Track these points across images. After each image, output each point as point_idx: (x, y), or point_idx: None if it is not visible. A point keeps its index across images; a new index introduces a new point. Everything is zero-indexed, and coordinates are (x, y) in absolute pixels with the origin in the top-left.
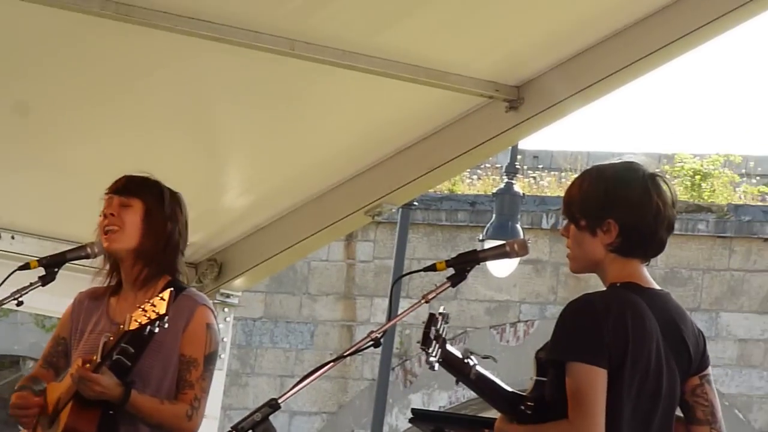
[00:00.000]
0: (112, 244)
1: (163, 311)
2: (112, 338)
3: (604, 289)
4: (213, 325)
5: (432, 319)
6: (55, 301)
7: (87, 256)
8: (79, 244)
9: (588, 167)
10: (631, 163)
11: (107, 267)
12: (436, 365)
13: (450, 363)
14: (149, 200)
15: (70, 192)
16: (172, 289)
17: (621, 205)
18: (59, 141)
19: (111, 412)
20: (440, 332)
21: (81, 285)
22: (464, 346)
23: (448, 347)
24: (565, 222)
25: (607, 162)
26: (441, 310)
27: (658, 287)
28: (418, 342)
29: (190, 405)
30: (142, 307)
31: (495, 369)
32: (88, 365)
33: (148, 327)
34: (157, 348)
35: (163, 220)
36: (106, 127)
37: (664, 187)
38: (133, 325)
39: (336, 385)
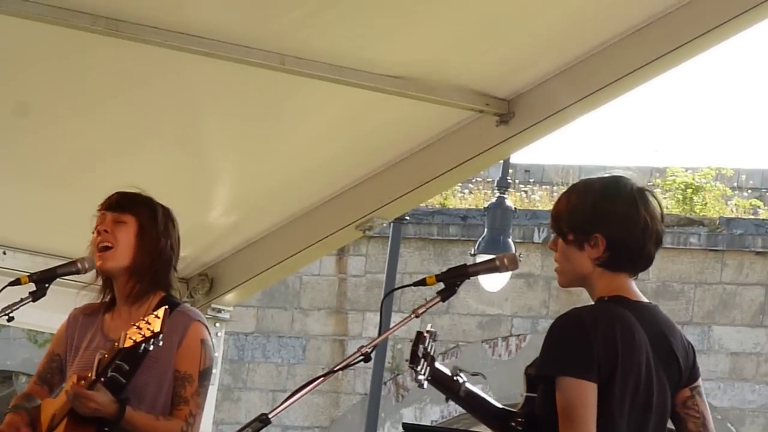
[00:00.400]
0: (105, 262)
1: (157, 329)
2: (106, 355)
3: (592, 303)
4: (207, 340)
5: (420, 337)
6: (46, 316)
7: (78, 272)
8: (70, 260)
9: (576, 181)
10: (619, 177)
11: (100, 283)
12: (425, 383)
13: (439, 381)
14: (142, 216)
15: (61, 207)
16: (166, 306)
17: (608, 220)
18: (49, 155)
19: (106, 429)
20: (428, 350)
21: (72, 300)
22: (455, 361)
23: (437, 365)
24: (554, 236)
25: (595, 176)
26: (429, 328)
27: (646, 300)
28: (406, 360)
29: (185, 421)
30: (137, 324)
31: (487, 383)
32: (83, 382)
33: (143, 345)
34: (152, 364)
35: (157, 236)
36: (96, 141)
37: (652, 200)
38: (128, 343)
39: (328, 399)
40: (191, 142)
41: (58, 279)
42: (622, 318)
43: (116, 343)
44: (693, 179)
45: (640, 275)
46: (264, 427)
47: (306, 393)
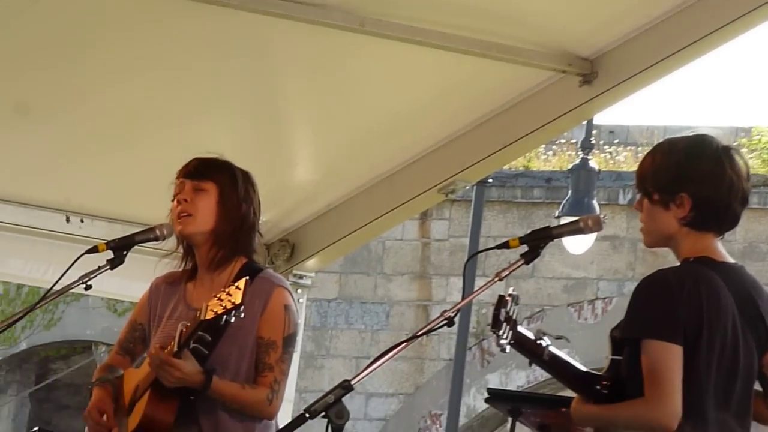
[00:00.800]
0: (186, 227)
1: (238, 301)
2: (188, 326)
3: (678, 264)
4: (291, 306)
5: (501, 301)
6: (124, 284)
7: (156, 239)
8: (148, 227)
9: (661, 141)
10: (704, 135)
11: (181, 251)
12: (508, 347)
13: (522, 344)
14: (222, 182)
15: (140, 174)
16: (247, 277)
17: (694, 179)
18: (130, 124)
19: (192, 398)
20: (510, 314)
21: (151, 268)
22: (540, 326)
23: (520, 329)
24: (639, 196)
25: (679, 135)
26: (510, 291)
27: (732, 261)
28: (488, 324)
29: (270, 388)
30: (218, 296)
31: (572, 347)
32: (168, 350)
33: (224, 317)
34: (235, 332)
35: (238, 201)
36: (174, 104)
37: (738, 159)
38: (209, 315)
39: (412, 365)
40: (269, 105)
41: (136, 246)
42: (708, 279)
43: (198, 314)
44: None
45: (726, 236)
46: (346, 394)
47: (389, 359)
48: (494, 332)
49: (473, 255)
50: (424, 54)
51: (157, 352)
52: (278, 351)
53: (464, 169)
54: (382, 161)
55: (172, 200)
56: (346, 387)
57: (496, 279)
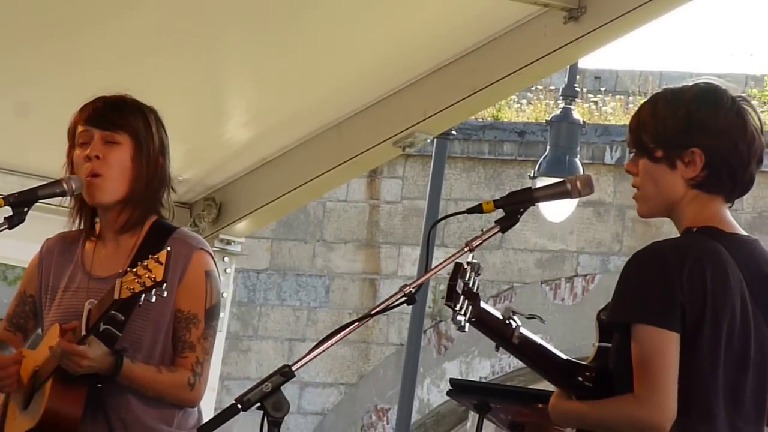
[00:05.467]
0: (100, 194)
1: (160, 277)
2: (98, 306)
3: (677, 235)
4: (213, 272)
5: (458, 270)
6: (22, 247)
7: (63, 194)
8: (52, 179)
9: (660, 90)
10: (713, 83)
11: (77, 207)
12: (466, 326)
13: (485, 324)
14: (138, 133)
15: (41, 120)
16: (169, 248)
17: (710, 131)
18: (29, 58)
19: (99, 386)
20: (470, 285)
21: (50, 229)
22: (507, 305)
23: (483, 305)
24: (633, 154)
25: (682, 84)
26: (469, 259)
27: (743, 233)
28: (442, 298)
29: (191, 371)
30: (135, 270)
31: (546, 333)
32: (70, 335)
33: (143, 295)
34: (148, 306)
35: (155, 154)
36: (91, 54)
37: (753, 113)
38: (125, 294)
39: (356, 350)
40: (199, 51)
41: (37, 203)
42: (714, 253)
43: (111, 293)
44: None
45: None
46: (286, 382)
47: (336, 342)
48: (449, 306)
49: (439, 220)
50: None
51: (58, 343)
52: (200, 326)
53: (425, 119)
54: (328, 110)
55: (70, 144)
56: (286, 374)
57: (466, 249)
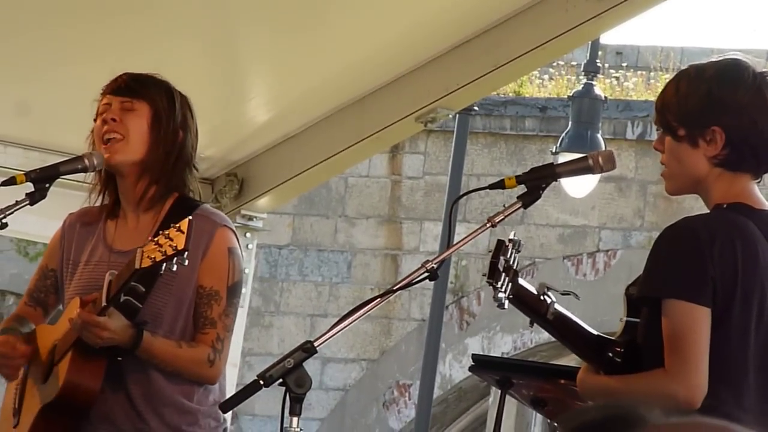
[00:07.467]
0: (114, 155)
1: (182, 246)
2: (119, 276)
3: (707, 212)
4: (236, 249)
5: (500, 247)
6: (43, 223)
7: (84, 170)
8: (74, 155)
9: (682, 66)
10: (737, 59)
11: (99, 182)
12: (506, 303)
13: (523, 300)
14: (157, 103)
15: (64, 97)
16: (190, 218)
17: (729, 109)
18: (54, 40)
19: (119, 359)
20: (511, 263)
21: (72, 205)
22: (538, 281)
23: (521, 281)
24: (659, 132)
25: (705, 60)
26: (511, 236)
27: None
28: (484, 275)
29: (211, 347)
30: (156, 240)
31: (568, 307)
32: (90, 307)
33: (164, 264)
34: (170, 281)
35: (174, 127)
36: (117, 36)
37: None
38: (146, 263)
39: (378, 326)
40: (220, 31)
41: (59, 179)
42: (744, 230)
43: (131, 262)
44: None
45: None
46: (308, 358)
47: (357, 318)
48: (491, 283)
49: (461, 196)
50: None
51: (78, 314)
52: (222, 303)
53: (447, 94)
54: (350, 86)
55: (95, 119)
56: (308, 350)
57: (488, 225)
